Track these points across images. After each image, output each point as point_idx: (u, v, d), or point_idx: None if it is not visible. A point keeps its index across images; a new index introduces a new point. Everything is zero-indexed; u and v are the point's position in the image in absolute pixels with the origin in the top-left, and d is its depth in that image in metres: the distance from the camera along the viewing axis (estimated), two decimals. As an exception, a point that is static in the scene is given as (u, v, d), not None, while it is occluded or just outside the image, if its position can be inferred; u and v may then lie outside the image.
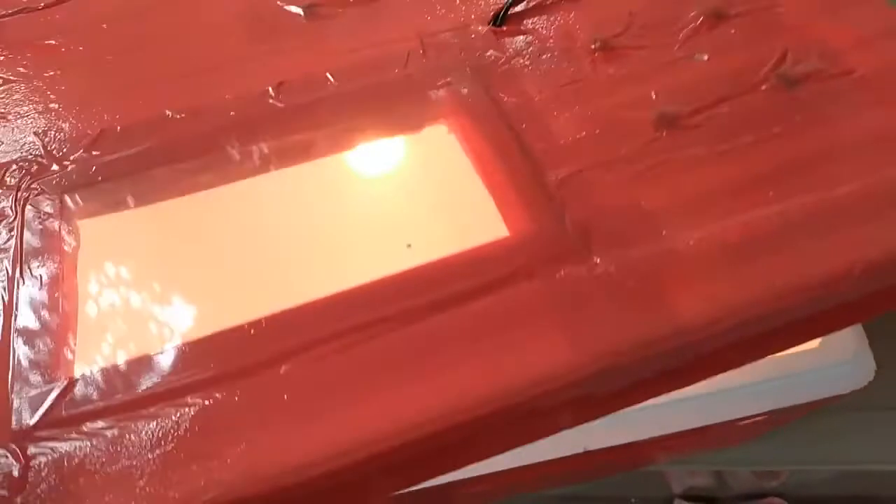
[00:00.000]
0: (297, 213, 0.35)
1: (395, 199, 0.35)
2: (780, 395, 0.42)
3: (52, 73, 0.41)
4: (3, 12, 0.45)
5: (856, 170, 0.32)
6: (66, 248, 0.34)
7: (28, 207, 0.34)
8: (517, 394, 0.27)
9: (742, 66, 0.37)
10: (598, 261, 0.30)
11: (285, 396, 0.27)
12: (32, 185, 0.35)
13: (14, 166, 0.36)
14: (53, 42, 0.43)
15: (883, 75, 0.35)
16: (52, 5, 0.45)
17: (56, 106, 0.39)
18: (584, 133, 0.35)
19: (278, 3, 0.43)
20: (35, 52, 0.42)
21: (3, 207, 0.35)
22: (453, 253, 0.31)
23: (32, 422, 0.27)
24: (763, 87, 0.35)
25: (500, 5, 0.40)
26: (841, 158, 0.32)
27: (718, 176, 0.32)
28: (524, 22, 0.40)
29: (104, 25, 0.43)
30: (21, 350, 0.30)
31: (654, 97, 0.36)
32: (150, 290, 0.33)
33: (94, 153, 0.37)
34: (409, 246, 0.32)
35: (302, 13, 0.42)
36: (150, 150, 0.36)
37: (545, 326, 0.28)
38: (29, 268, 0.33)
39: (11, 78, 0.41)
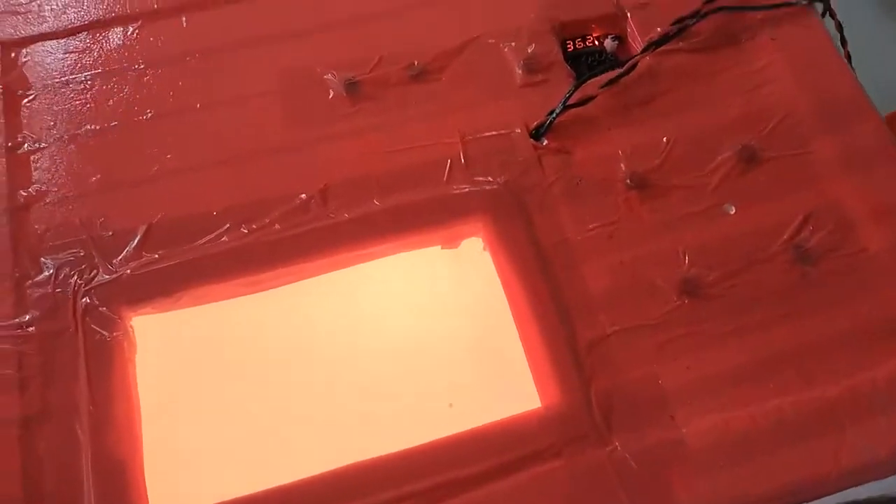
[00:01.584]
0: (336, 360, 0.38)
1: (434, 346, 0.38)
2: None
3: (86, 136, 0.40)
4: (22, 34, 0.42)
5: (851, 364, 0.36)
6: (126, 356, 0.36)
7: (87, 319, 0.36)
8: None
9: (766, 226, 0.39)
10: (618, 445, 0.34)
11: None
12: (88, 292, 0.36)
13: (67, 268, 0.37)
14: (83, 87, 0.41)
15: (891, 254, 0.39)
16: (74, 31, 0.43)
17: (95, 186, 0.39)
18: (614, 287, 0.38)
19: (318, 69, 0.42)
20: (65, 102, 0.41)
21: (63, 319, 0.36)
22: (490, 422, 0.35)
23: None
24: (780, 259, 0.38)
25: (542, 116, 0.41)
26: (840, 351, 0.36)
27: (728, 359, 0.36)
28: (563, 138, 0.41)
29: (133, 76, 0.41)
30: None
31: (681, 255, 0.38)
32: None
33: (143, 254, 0.38)
34: (450, 405, 0.35)
35: (343, 90, 0.41)
36: (200, 260, 0.37)
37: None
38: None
39: (44, 138, 0.40)
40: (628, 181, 0.40)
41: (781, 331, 0.37)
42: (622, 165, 0.40)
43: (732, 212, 0.39)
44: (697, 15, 0.42)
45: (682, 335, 0.37)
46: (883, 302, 0.37)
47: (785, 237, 0.39)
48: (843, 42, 0.45)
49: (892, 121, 0.72)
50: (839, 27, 0.45)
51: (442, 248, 0.41)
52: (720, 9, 0.42)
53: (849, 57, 0.45)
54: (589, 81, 0.41)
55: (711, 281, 0.38)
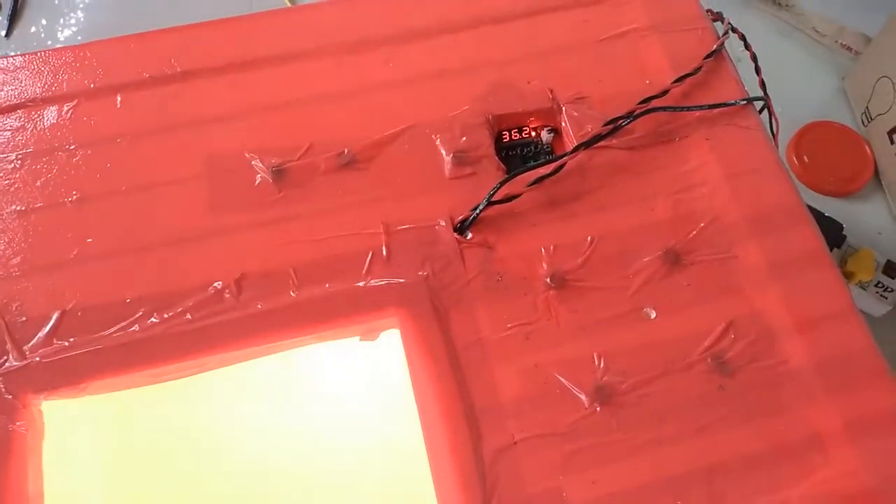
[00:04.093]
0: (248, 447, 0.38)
1: (339, 446, 0.38)
2: None
3: (10, 218, 0.40)
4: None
5: (763, 486, 0.35)
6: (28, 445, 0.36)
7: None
8: None
9: (686, 333, 0.38)
10: (513, 564, 0.34)
11: None
12: (-7, 379, 0.36)
13: (-26, 353, 0.37)
14: (13, 167, 0.42)
15: (812, 369, 0.38)
16: (11, 109, 0.43)
17: (15, 269, 0.39)
18: (525, 392, 0.37)
19: (246, 155, 0.42)
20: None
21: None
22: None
23: None
24: (698, 368, 0.38)
25: (469, 209, 0.41)
26: (752, 471, 0.36)
27: (636, 475, 0.35)
28: (488, 232, 0.40)
29: (63, 157, 0.42)
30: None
31: (597, 360, 0.38)
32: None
33: (54, 341, 0.37)
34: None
35: (270, 176, 0.41)
36: (109, 350, 0.37)
37: None
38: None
39: (-33, 217, 0.40)
40: (548, 280, 0.39)
41: (694, 446, 0.36)
42: (544, 264, 0.40)
43: (653, 316, 0.39)
44: (630, 116, 0.42)
45: (590, 445, 0.36)
46: (798, 420, 0.37)
47: (705, 345, 0.38)
48: (757, 70, 0.45)
49: (801, 137, 0.73)
50: (754, 58, 0.46)
51: (360, 340, 0.40)
52: (653, 109, 0.42)
53: (763, 84, 0.45)
54: (517, 178, 0.41)
55: (625, 388, 0.37)
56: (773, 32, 0.80)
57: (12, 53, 0.43)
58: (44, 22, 0.88)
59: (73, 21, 0.88)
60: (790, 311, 0.39)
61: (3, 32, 0.85)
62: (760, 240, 0.40)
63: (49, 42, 0.87)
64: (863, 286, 0.70)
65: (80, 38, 0.87)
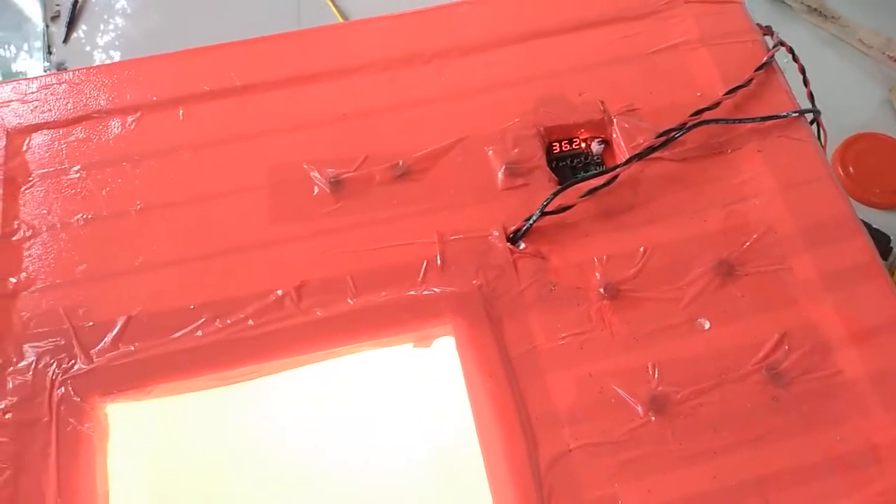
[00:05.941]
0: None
1: (396, 452, 0.38)
2: None
3: (77, 225, 0.42)
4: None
5: (815, 497, 0.35)
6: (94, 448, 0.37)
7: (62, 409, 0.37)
8: None
9: (739, 343, 0.39)
10: (571, 571, 0.34)
11: None
12: (65, 381, 0.38)
13: (47, 356, 0.38)
14: (79, 177, 0.43)
15: (866, 380, 0.38)
16: (76, 122, 0.45)
17: (81, 275, 0.40)
18: (580, 400, 0.37)
19: (304, 167, 0.43)
20: (60, 190, 0.42)
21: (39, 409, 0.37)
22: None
23: None
24: (752, 379, 0.38)
25: (521, 220, 0.41)
26: (805, 482, 0.36)
27: (690, 484, 0.36)
28: (540, 243, 0.41)
29: (128, 167, 0.43)
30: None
31: (651, 370, 0.38)
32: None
33: (120, 346, 0.39)
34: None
35: (327, 187, 0.42)
36: (174, 354, 0.38)
37: None
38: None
39: (37, 226, 0.42)
40: (602, 290, 0.40)
41: (747, 456, 0.36)
42: (597, 274, 0.40)
43: (707, 327, 0.39)
44: (682, 128, 0.42)
45: (645, 455, 0.36)
46: (852, 431, 0.36)
47: (759, 356, 0.38)
48: (805, 83, 0.46)
49: (847, 148, 0.72)
50: (802, 70, 0.46)
51: (414, 347, 0.41)
52: (706, 121, 0.43)
53: (811, 96, 0.45)
54: (569, 189, 0.41)
55: (680, 399, 0.37)
56: (819, 44, 0.79)
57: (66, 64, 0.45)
58: (84, 27, 0.90)
59: (111, 27, 0.90)
60: (844, 323, 0.39)
61: (62, 39, 0.88)
62: (814, 251, 0.40)
63: (88, 48, 0.89)
64: (908, 298, 0.69)
65: (118, 43, 0.89)
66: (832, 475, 0.36)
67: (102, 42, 0.89)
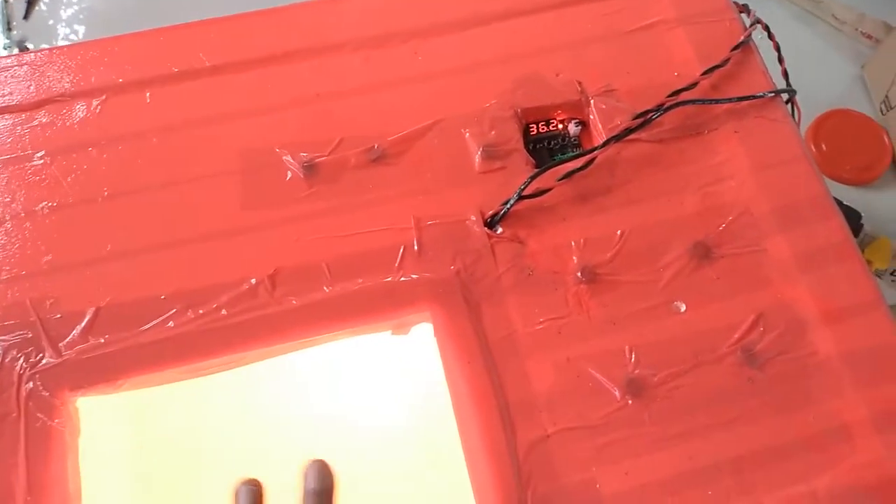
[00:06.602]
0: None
1: (374, 438, 0.38)
2: None
3: (42, 214, 0.40)
4: None
5: (791, 476, 0.36)
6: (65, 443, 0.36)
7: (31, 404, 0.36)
8: None
9: (715, 325, 0.39)
10: (550, 555, 0.34)
11: None
12: (32, 376, 0.37)
13: (14, 350, 0.37)
14: (43, 163, 0.42)
15: (840, 360, 0.38)
16: (38, 105, 0.43)
17: (47, 266, 0.39)
18: (558, 385, 0.37)
19: (277, 150, 0.42)
20: (24, 178, 0.41)
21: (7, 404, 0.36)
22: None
23: None
24: (728, 361, 0.38)
25: (499, 203, 0.41)
26: (780, 461, 0.36)
27: (667, 466, 0.36)
28: (518, 227, 0.41)
29: (94, 153, 0.42)
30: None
31: (628, 353, 0.38)
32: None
33: (89, 338, 0.38)
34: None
35: (301, 171, 0.42)
36: (145, 346, 0.38)
37: None
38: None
39: (0, 215, 0.40)
40: (579, 274, 0.40)
41: (723, 437, 0.37)
42: (574, 258, 0.40)
43: (683, 310, 0.39)
44: (659, 109, 0.42)
45: (622, 438, 0.37)
46: (826, 411, 0.37)
47: (735, 337, 0.38)
48: (780, 60, 0.46)
49: (820, 125, 0.73)
50: (777, 48, 0.46)
51: (392, 334, 0.41)
52: (683, 102, 0.42)
53: (786, 74, 0.46)
54: (547, 172, 0.41)
55: (656, 382, 0.38)
56: (791, 19, 0.79)
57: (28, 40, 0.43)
58: (46, 0, 0.87)
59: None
60: (818, 303, 0.39)
61: (23, 15, 0.85)
62: (788, 232, 0.41)
63: (51, 21, 0.86)
64: (878, 274, 0.70)
65: (82, 17, 0.86)
66: (806, 454, 0.36)
67: (66, 15, 0.86)
